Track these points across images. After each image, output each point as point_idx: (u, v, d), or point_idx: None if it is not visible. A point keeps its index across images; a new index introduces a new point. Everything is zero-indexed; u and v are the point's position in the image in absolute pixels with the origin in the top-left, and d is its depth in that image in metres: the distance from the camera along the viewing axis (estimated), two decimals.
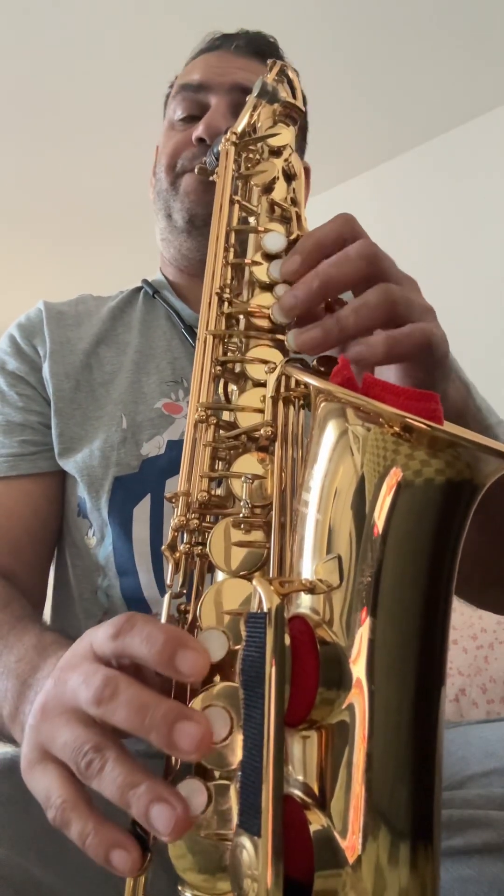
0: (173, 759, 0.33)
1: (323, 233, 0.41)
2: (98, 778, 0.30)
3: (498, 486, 0.32)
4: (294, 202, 0.46)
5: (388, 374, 0.42)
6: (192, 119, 0.72)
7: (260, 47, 0.75)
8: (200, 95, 0.72)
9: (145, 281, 0.79)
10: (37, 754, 0.33)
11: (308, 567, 0.31)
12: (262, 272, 0.42)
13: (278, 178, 0.46)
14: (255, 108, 0.49)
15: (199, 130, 0.69)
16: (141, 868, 0.29)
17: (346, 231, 0.41)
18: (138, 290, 0.79)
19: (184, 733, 0.28)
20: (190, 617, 0.36)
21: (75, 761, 0.31)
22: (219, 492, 0.39)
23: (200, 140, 0.69)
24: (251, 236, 0.45)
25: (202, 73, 0.73)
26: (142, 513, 0.62)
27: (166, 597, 0.37)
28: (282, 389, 0.39)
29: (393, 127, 2.13)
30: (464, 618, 1.35)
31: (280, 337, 0.41)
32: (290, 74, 0.51)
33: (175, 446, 0.64)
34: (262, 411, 0.39)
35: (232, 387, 0.41)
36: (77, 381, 0.69)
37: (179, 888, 0.32)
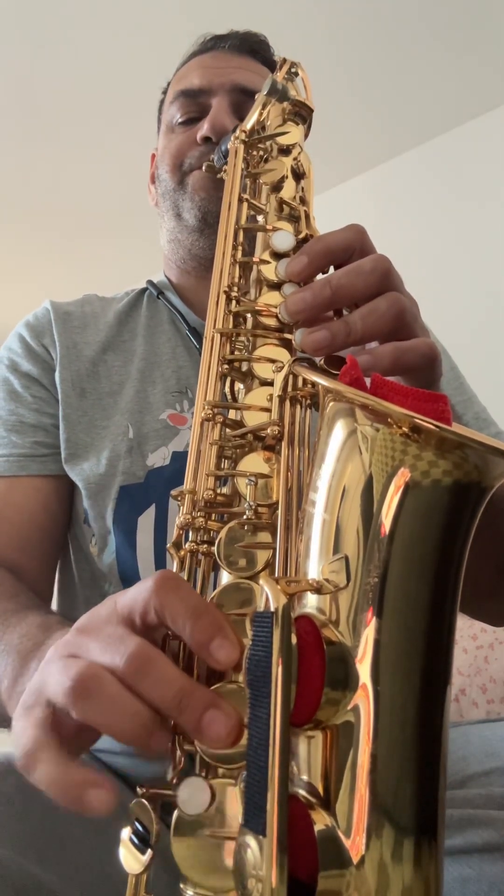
0: (176, 756, 0.33)
1: (333, 239, 0.41)
2: (146, 681, 0.29)
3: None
4: (303, 201, 0.46)
5: None
6: (192, 121, 0.72)
7: (253, 45, 0.75)
8: (201, 99, 0.72)
9: (150, 282, 0.79)
10: (32, 699, 0.32)
11: (315, 567, 0.31)
12: (270, 271, 0.42)
13: (287, 176, 0.46)
14: (264, 105, 0.49)
15: (204, 129, 0.69)
16: (111, 804, 0.28)
17: (356, 242, 0.41)
18: (143, 291, 0.79)
19: (214, 721, 0.29)
20: None
21: (114, 661, 0.29)
22: (224, 490, 0.39)
23: (206, 139, 0.69)
24: (259, 235, 0.45)
25: (200, 76, 0.73)
26: (146, 522, 0.63)
27: None
28: (289, 389, 0.39)
29: (391, 128, 2.13)
30: (464, 618, 1.35)
31: (287, 336, 0.41)
32: (300, 72, 0.50)
33: (180, 457, 0.65)
34: (268, 410, 0.38)
35: (239, 385, 0.41)
36: (83, 388, 0.69)
37: (181, 886, 0.32)
